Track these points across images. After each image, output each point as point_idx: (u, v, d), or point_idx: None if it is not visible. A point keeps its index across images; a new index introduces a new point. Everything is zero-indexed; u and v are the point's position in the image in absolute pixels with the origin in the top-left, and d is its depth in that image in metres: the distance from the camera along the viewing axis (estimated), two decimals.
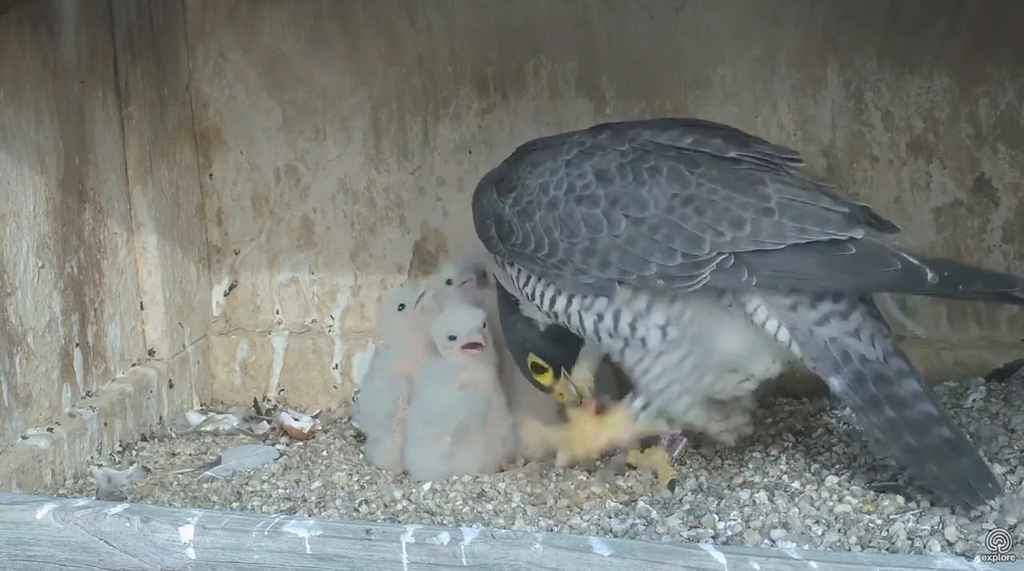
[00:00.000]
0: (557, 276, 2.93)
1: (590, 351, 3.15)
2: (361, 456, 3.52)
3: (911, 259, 2.74)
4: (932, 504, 2.79)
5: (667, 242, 2.81)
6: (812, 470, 3.07)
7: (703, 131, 2.95)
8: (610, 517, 2.95)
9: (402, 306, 3.51)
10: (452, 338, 3.33)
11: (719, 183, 2.83)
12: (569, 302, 2.96)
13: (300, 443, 3.65)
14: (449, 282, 3.52)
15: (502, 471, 3.33)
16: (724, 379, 2.98)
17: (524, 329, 3.20)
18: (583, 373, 3.20)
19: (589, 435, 3.08)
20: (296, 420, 3.72)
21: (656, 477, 3.10)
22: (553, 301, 2.98)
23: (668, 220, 2.82)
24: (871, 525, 2.74)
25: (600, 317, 2.93)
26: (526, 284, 3.03)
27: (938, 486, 2.76)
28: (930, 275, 2.71)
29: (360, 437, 3.61)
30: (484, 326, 3.32)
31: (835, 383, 2.83)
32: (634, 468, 3.15)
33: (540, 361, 3.21)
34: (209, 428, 3.75)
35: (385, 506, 3.13)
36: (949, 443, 2.75)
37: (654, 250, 2.82)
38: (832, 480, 2.97)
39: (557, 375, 3.21)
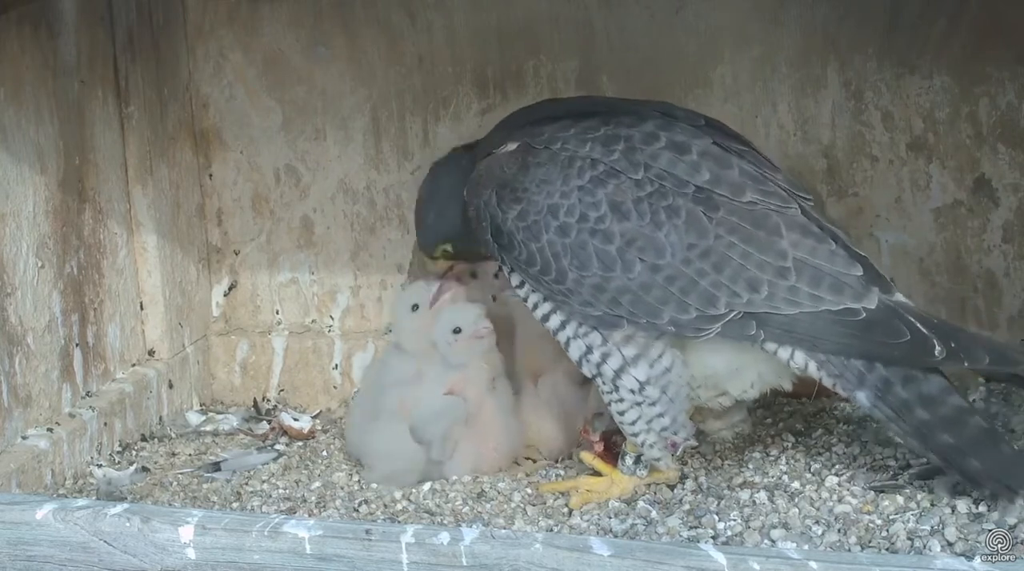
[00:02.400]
0: (563, 302, 2.90)
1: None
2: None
3: (921, 328, 2.73)
4: (932, 504, 2.80)
5: (682, 295, 2.79)
6: (812, 470, 3.07)
7: (719, 153, 2.87)
8: (610, 517, 2.95)
9: (416, 306, 3.40)
10: (457, 331, 3.31)
11: (737, 235, 2.79)
12: (563, 326, 2.93)
13: (300, 443, 3.65)
14: (415, 308, 3.39)
15: (500, 471, 3.32)
16: (697, 392, 2.97)
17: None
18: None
19: (599, 491, 3.07)
20: (296, 420, 3.72)
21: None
22: (547, 318, 2.96)
23: (684, 273, 2.79)
24: (871, 525, 2.74)
25: (589, 350, 2.91)
26: (522, 291, 3.00)
27: (984, 479, 2.72)
28: (937, 348, 2.70)
29: None
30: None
31: (861, 398, 2.79)
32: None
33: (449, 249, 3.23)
34: (209, 428, 3.75)
35: (385, 506, 3.13)
36: (986, 433, 2.72)
37: (668, 300, 2.80)
38: (832, 480, 2.97)
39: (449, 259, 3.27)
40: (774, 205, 2.84)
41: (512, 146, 2.99)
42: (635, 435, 2.98)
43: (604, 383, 2.93)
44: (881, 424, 2.95)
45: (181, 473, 3.41)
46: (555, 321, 2.94)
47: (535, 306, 2.98)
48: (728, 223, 2.80)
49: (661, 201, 2.82)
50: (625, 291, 2.81)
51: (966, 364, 2.73)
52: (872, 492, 2.89)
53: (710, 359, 2.91)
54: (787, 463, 3.12)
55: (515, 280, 3.01)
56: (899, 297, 2.83)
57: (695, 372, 2.93)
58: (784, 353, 2.82)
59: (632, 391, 2.90)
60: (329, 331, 3.92)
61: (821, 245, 2.81)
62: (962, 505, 2.75)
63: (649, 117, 2.93)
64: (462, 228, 3.10)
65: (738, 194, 2.83)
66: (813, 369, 2.82)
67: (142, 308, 3.76)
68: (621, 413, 2.96)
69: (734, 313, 2.78)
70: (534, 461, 3.37)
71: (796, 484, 2.99)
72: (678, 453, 3.09)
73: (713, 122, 3.00)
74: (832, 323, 2.76)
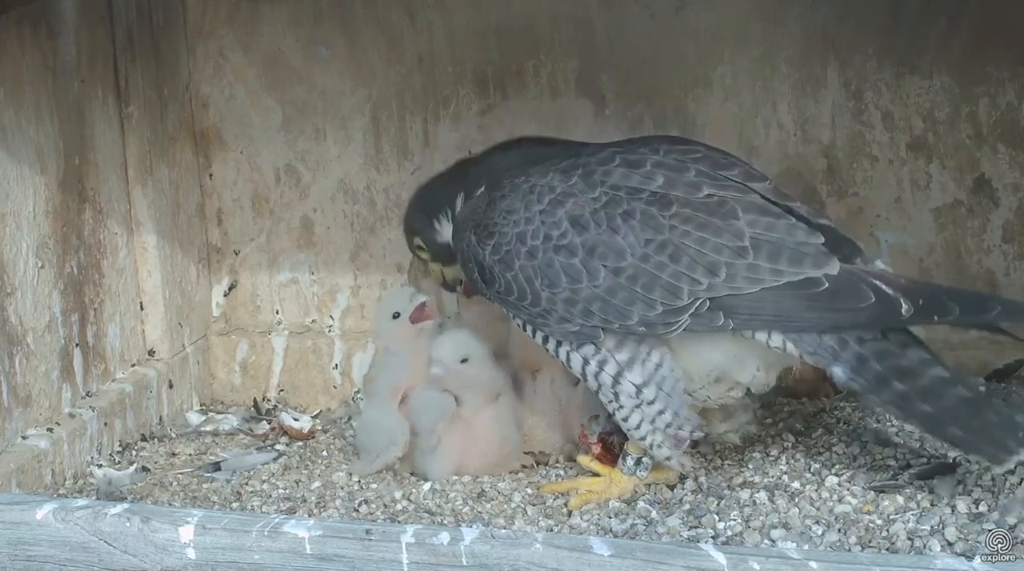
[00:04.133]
0: (543, 324, 2.95)
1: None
2: (361, 456, 3.52)
3: (885, 289, 2.73)
4: (932, 504, 2.80)
5: (646, 293, 2.83)
6: (812, 470, 3.07)
7: (674, 162, 2.91)
8: (610, 517, 2.95)
9: (397, 314, 3.43)
10: (396, 316, 3.39)
11: (691, 223, 2.82)
12: (559, 345, 2.98)
13: (300, 443, 3.64)
14: (396, 316, 3.42)
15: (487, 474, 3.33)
16: (710, 389, 2.98)
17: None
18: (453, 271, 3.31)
19: (598, 491, 3.09)
20: (296, 420, 3.72)
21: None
22: (545, 341, 3.00)
23: (645, 270, 2.83)
24: (871, 525, 2.74)
25: (586, 361, 2.94)
26: (517, 323, 3.06)
27: (965, 446, 2.72)
28: (904, 306, 2.70)
29: None
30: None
31: (837, 372, 2.80)
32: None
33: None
34: (209, 428, 3.75)
35: (385, 506, 3.13)
36: (967, 401, 2.71)
37: (634, 300, 2.84)
38: (832, 480, 2.97)
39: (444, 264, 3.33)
40: (730, 195, 2.87)
41: (481, 188, 3.11)
42: (643, 438, 2.99)
43: (605, 393, 2.97)
44: (861, 396, 2.95)
45: (181, 473, 3.41)
46: (551, 344, 3.00)
47: (532, 335, 3.03)
48: (682, 215, 2.84)
49: (616, 208, 2.87)
50: (594, 299, 2.86)
51: (936, 318, 2.72)
52: (872, 492, 2.89)
53: (708, 354, 2.92)
54: (787, 463, 3.12)
55: (514, 320, 3.07)
56: (869, 263, 2.83)
57: (698, 371, 2.94)
58: (762, 336, 2.83)
59: (630, 395, 2.93)
60: (329, 331, 3.92)
61: (779, 221, 2.83)
62: (962, 505, 2.75)
63: (613, 146, 3.01)
64: (433, 231, 3.25)
65: (693, 192, 2.87)
66: (792, 349, 2.82)
67: (142, 308, 3.76)
68: (625, 420, 2.98)
69: (699, 302, 2.80)
70: (535, 464, 3.36)
71: (796, 484, 2.99)
72: (684, 447, 3.08)
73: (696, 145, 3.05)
74: (796, 298, 2.76)
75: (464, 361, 3.29)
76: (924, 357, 2.76)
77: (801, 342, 2.81)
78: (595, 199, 2.89)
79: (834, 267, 2.77)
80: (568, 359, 2.98)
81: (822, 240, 2.81)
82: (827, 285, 2.75)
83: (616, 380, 2.93)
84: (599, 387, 2.96)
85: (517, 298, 2.95)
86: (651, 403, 2.93)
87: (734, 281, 2.78)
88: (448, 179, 3.27)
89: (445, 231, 3.24)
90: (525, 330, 3.04)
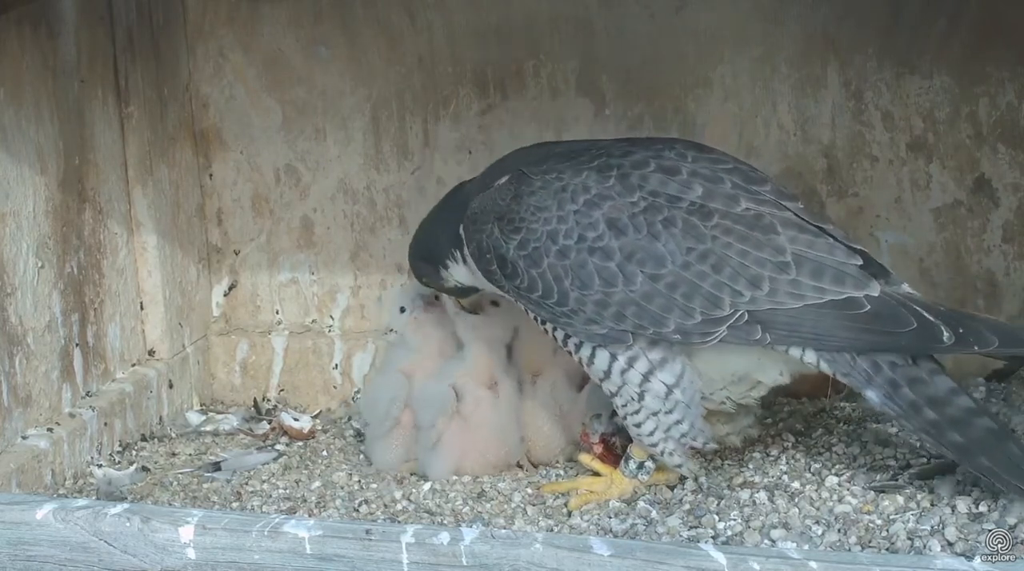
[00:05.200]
0: (567, 324, 2.92)
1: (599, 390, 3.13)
2: (361, 456, 3.52)
3: (926, 315, 2.73)
4: (932, 504, 2.80)
5: (686, 301, 2.80)
6: (812, 470, 3.07)
7: (708, 172, 2.90)
8: (610, 517, 2.95)
9: (403, 309, 3.53)
10: (402, 310, 3.52)
11: (733, 236, 2.81)
12: (581, 344, 2.95)
13: (300, 443, 3.65)
14: (403, 310, 3.53)
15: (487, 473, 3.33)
16: (731, 388, 2.97)
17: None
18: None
19: (599, 491, 3.09)
20: (296, 420, 3.72)
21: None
22: (566, 339, 2.97)
23: (685, 278, 2.81)
24: (871, 525, 2.74)
25: (614, 357, 2.91)
26: (535, 320, 3.03)
27: (993, 477, 2.72)
28: (945, 334, 2.71)
29: (360, 436, 3.61)
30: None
31: (871, 396, 2.80)
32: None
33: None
34: (209, 428, 3.75)
35: (385, 506, 3.13)
36: (993, 433, 2.72)
37: (672, 307, 2.81)
38: (832, 480, 2.97)
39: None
40: (767, 210, 2.86)
41: (504, 179, 3.04)
42: (654, 445, 2.99)
43: (627, 392, 2.93)
44: (893, 421, 2.98)
45: (181, 473, 3.41)
46: (572, 342, 2.96)
47: (551, 332, 3.00)
48: (724, 226, 2.82)
49: (657, 215, 2.85)
50: (629, 304, 2.84)
51: (976, 348, 2.73)
52: (872, 492, 2.89)
53: (734, 361, 2.91)
54: (787, 463, 3.12)
55: (528, 313, 3.05)
56: (905, 288, 2.84)
57: (720, 375, 2.93)
58: (795, 352, 2.83)
59: (658, 396, 2.90)
60: (329, 331, 3.92)
61: (818, 240, 2.83)
62: (962, 505, 2.75)
63: (639, 147, 2.98)
64: (440, 278, 3.26)
65: (732, 205, 2.85)
66: (825, 367, 2.82)
67: (142, 308, 3.76)
68: (638, 425, 2.97)
69: (738, 314, 2.78)
70: (534, 466, 3.37)
71: (796, 484, 2.99)
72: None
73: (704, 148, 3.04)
74: (837, 317, 2.76)
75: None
76: (952, 386, 2.77)
77: (835, 363, 2.80)
78: (633, 204, 2.86)
79: (875, 289, 2.77)
80: (593, 355, 2.93)
81: (860, 261, 2.81)
82: (869, 308, 2.75)
83: (646, 378, 2.90)
84: (623, 385, 2.92)
85: (542, 296, 2.91)
86: (670, 412, 2.92)
87: (776, 296, 2.78)
88: (445, 220, 3.20)
89: (455, 274, 3.22)
90: (543, 327, 3.01)
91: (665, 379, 2.90)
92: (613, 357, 2.91)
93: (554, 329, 2.99)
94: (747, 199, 2.86)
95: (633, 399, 2.93)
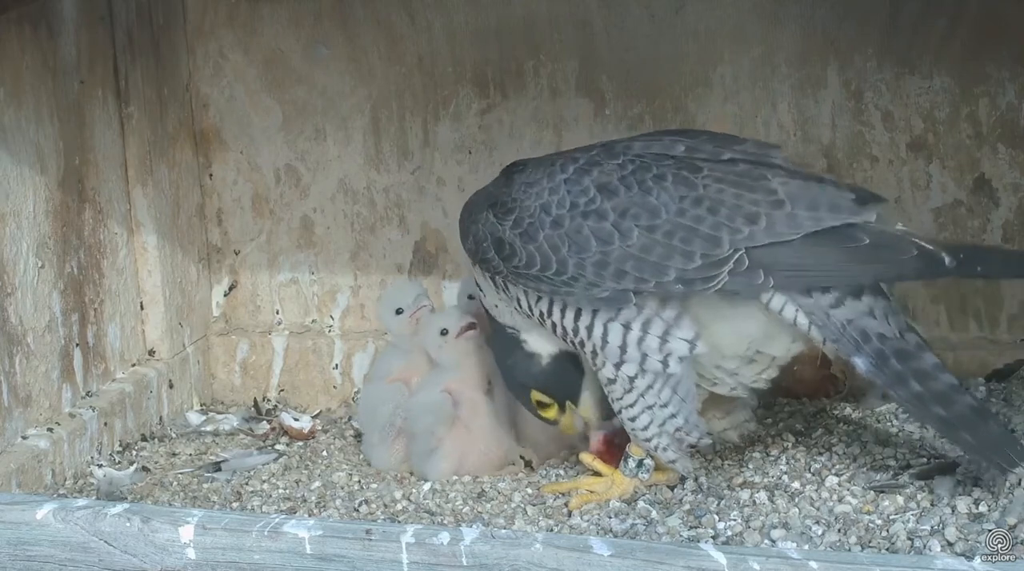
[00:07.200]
0: (568, 293, 2.91)
1: (593, 379, 3.11)
2: (361, 456, 3.52)
3: (925, 244, 2.75)
4: (932, 504, 2.80)
5: (684, 245, 2.80)
6: (812, 470, 3.07)
7: (690, 138, 2.96)
8: (610, 517, 2.95)
9: (400, 310, 3.50)
10: (444, 333, 3.37)
11: (724, 182, 2.84)
12: (578, 316, 2.93)
13: (300, 443, 3.65)
14: (400, 312, 3.49)
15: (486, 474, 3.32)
16: (743, 371, 2.97)
17: (524, 365, 3.17)
18: (587, 403, 3.18)
19: (599, 491, 3.08)
20: (296, 420, 3.72)
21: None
22: (576, 317, 2.94)
23: (681, 224, 2.82)
24: (871, 525, 2.74)
25: (627, 327, 2.88)
26: (534, 305, 3.01)
27: (974, 452, 2.76)
28: (947, 259, 2.72)
29: (360, 437, 3.61)
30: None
31: (859, 363, 2.81)
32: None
33: (543, 397, 3.18)
34: (209, 428, 3.75)
35: (385, 506, 3.13)
36: (975, 410, 2.76)
37: (672, 254, 2.81)
38: (832, 480, 2.97)
39: (562, 408, 3.19)
40: (753, 160, 2.90)
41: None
42: (648, 440, 2.98)
43: (650, 364, 2.88)
44: (882, 389, 3.02)
45: (181, 473, 3.41)
46: (583, 320, 2.92)
47: (550, 313, 2.97)
48: (714, 175, 2.86)
49: (646, 173, 2.88)
50: (627, 258, 2.84)
51: (979, 270, 2.77)
52: (872, 492, 2.89)
53: (744, 327, 2.88)
54: (787, 463, 3.12)
55: (527, 301, 3.01)
56: (899, 227, 2.87)
57: (731, 346, 2.91)
58: (789, 313, 2.82)
59: (682, 357, 2.86)
60: (329, 331, 3.92)
61: (808, 181, 2.86)
62: (962, 505, 2.75)
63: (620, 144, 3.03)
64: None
65: (718, 156, 2.90)
66: (816, 334, 2.82)
67: (142, 308, 3.76)
68: (633, 419, 2.96)
69: (739, 254, 2.78)
70: (532, 467, 3.36)
71: (796, 484, 2.99)
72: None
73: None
74: (840, 250, 2.77)
75: (444, 333, 3.37)
76: (936, 362, 2.80)
77: (825, 328, 2.81)
78: (621, 166, 2.89)
79: (871, 215, 2.79)
80: (605, 333, 2.90)
81: (853, 195, 2.83)
82: (867, 240, 2.76)
83: (664, 340, 2.87)
84: (642, 358, 2.88)
85: (540, 269, 2.90)
86: (664, 405, 2.92)
87: (774, 228, 2.78)
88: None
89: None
90: (546, 318, 2.97)
91: (684, 334, 2.86)
92: (626, 328, 2.88)
93: (562, 311, 2.95)
94: (731, 153, 2.91)
95: (660, 368, 2.88)
